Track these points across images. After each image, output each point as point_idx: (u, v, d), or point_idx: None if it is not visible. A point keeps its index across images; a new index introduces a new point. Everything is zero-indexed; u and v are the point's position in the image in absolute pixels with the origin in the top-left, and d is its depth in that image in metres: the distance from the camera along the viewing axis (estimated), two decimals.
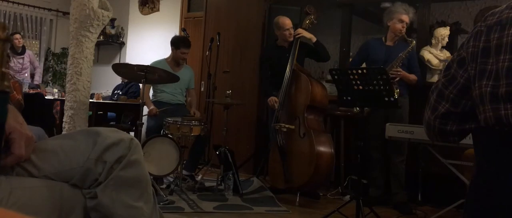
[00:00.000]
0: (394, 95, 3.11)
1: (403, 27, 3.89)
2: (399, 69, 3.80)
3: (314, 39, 4.22)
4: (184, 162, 4.41)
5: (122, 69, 4.27)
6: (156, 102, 4.55)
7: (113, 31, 7.59)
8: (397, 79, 3.78)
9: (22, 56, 7.06)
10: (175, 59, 4.62)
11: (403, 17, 3.87)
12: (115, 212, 1.13)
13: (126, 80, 6.41)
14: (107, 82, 6.99)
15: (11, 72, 6.35)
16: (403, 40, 3.96)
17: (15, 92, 4.41)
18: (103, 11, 4.24)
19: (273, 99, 4.21)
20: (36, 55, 8.15)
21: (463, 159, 3.18)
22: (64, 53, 8.04)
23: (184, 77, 4.51)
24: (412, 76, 3.89)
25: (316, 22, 4.27)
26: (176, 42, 4.60)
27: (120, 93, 6.25)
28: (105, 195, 1.13)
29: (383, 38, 4.04)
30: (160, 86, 4.59)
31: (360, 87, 3.04)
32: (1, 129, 0.95)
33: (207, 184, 4.29)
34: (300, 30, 4.20)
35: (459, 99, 1.32)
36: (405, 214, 3.69)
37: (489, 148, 1.25)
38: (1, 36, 0.89)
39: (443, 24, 4.67)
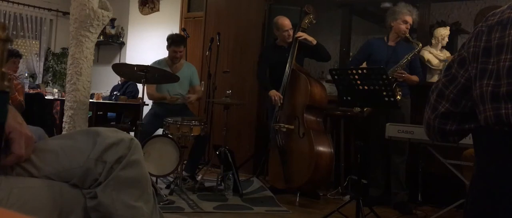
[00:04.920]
0: (397, 97, 3.10)
1: (407, 28, 3.88)
2: (403, 71, 3.79)
3: (315, 42, 4.20)
4: (184, 162, 4.41)
5: (122, 69, 4.27)
6: (160, 104, 4.53)
7: (113, 31, 7.59)
8: (401, 80, 3.78)
9: None
10: (170, 58, 4.61)
11: (407, 18, 3.86)
12: (115, 212, 1.13)
13: (123, 80, 6.41)
14: (107, 82, 6.99)
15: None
16: (405, 41, 3.95)
17: (16, 93, 4.41)
18: (103, 11, 4.24)
19: (276, 94, 4.14)
20: (36, 55, 8.15)
21: (463, 159, 3.18)
22: (64, 53, 8.04)
23: (183, 76, 4.48)
24: (415, 78, 3.88)
25: (315, 22, 4.26)
26: (168, 41, 4.57)
27: (118, 94, 6.25)
28: (105, 195, 1.13)
29: (385, 38, 4.03)
30: (160, 91, 4.55)
31: (360, 87, 3.04)
32: (1, 128, 0.95)
33: (207, 184, 4.29)
34: (302, 34, 4.17)
35: (459, 99, 1.32)
36: (405, 214, 3.69)
37: (489, 147, 1.25)
38: (1, 36, 0.89)
39: (443, 24, 4.67)
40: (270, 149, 4.34)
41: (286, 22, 4.31)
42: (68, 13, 4.97)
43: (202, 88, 5.63)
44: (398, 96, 3.52)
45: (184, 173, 4.33)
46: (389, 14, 3.98)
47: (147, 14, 7.35)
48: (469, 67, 1.30)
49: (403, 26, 3.87)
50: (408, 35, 3.89)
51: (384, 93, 2.99)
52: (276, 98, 4.13)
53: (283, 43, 4.38)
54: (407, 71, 3.85)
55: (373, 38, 4.37)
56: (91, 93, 4.82)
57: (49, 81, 8.14)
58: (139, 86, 4.67)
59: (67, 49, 5.80)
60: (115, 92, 6.39)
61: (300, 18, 4.58)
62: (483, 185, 1.24)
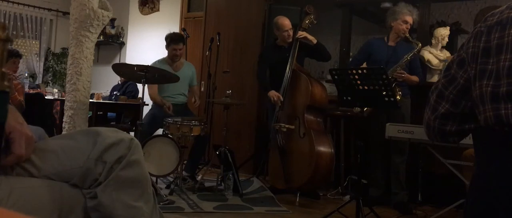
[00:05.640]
0: (397, 97, 3.10)
1: (407, 28, 3.87)
2: (403, 71, 3.79)
3: (315, 41, 4.19)
4: (184, 163, 4.41)
5: (122, 69, 4.27)
6: (158, 105, 4.52)
7: (113, 31, 7.59)
8: (401, 80, 3.78)
9: None
10: (170, 57, 4.61)
11: (407, 18, 3.86)
12: (115, 212, 1.13)
13: (123, 80, 6.41)
14: (107, 82, 6.99)
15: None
16: (405, 41, 3.95)
17: (17, 93, 4.42)
18: (103, 11, 4.24)
19: (275, 94, 4.14)
20: (36, 55, 8.15)
21: (463, 159, 3.18)
22: (64, 53, 8.03)
23: (184, 76, 4.49)
24: (414, 78, 3.88)
25: (316, 22, 4.26)
26: (166, 40, 4.59)
27: (118, 94, 6.26)
28: (105, 195, 1.13)
29: (385, 38, 4.03)
30: (162, 91, 4.56)
31: (360, 87, 3.04)
32: (1, 129, 0.95)
33: (207, 184, 4.29)
34: (302, 33, 4.17)
35: (459, 99, 1.32)
36: (405, 214, 3.69)
37: (489, 148, 1.25)
38: (1, 36, 0.89)
39: (443, 24, 4.67)
40: (270, 149, 4.34)
41: (286, 22, 4.31)
42: (68, 13, 4.98)
43: (202, 89, 5.64)
44: (398, 97, 3.52)
45: (184, 173, 4.33)
46: (389, 14, 3.98)
47: (147, 14, 7.35)
48: (468, 68, 1.30)
49: (403, 26, 3.86)
50: (408, 35, 3.88)
51: (384, 93, 2.99)
52: (275, 98, 4.13)
53: (283, 43, 4.38)
54: (407, 71, 3.85)
55: (373, 38, 4.37)
56: (91, 93, 4.83)
57: (49, 81, 8.14)
58: (139, 86, 4.69)
59: (67, 49, 5.79)
60: (115, 92, 6.40)
61: (300, 18, 4.58)
62: (483, 185, 1.24)
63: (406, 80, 3.82)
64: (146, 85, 3.91)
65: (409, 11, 3.87)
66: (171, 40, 4.53)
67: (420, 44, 3.88)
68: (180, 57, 4.64)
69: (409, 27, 3.89)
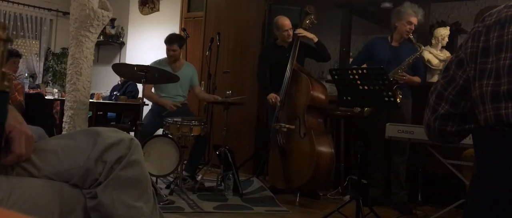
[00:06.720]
0: (397, 98, 3.10)
1: (411, 29, 3.85)
2: (405, 73, 3.78)
3: (316, 39, 4.20)
4: (184, 163, 4.41)
5: (122, 69, 4.27)
6: (159, 106, 4.52)
7: (113, 31, 7.59)
8: (402, 83, 3.77)
9: None
10: (168, 57, 4.61)
11: (412, 19, 3.83)
12: (115, 212, 1.13)
13: (123, 80, 6.41)
14: (107, 82, 6.99)
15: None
16: (409, 42, 3.93)
17: (16, 93, 4.41)
18: (103, 11, 4.24)
19: (273, 96, 4.17)
20: (36, 55, 8.15)
21: (463, 159, 3.18)
22: (64, 53, 8.03)
23: (184, 76, 4.48)
24: (416, 79, 3.88)
25: (316, 22, 4.26)
26: (165, 41, 4.60)
27: (118, 94, 6.26)
28: (105, 195, 1.13)
29: (389, 38, 4.01)
30: (161, 91, 4.55)
31: (360, 87, 3.04)
32: (1, 129, 0.95)
33: (207, 184, 4.29)
34: (302, 31, 4.17)
35: (459, 100, 1.32)
36: (405, 214, 3.69)
37: (489, 148, 1.25)
38: (1, 36, 0.89)
39: (443, 24, 4.67)
40: (270, 149, 4.34)
41: (286, 22, 4.31)
42: (68, 13, 4.98)
43: (202, 89, 5.64)
44: (398, 99, 3.51)
45: (184, 173, 4.33)
46: (394, 14, 3.94)
47: (147, 14, 7.35)
48: (468, 68, 1.29)
49: (407, 27, 3.83)
50: (411, 36, 3.85)
51: (384, 93, 2.99)
52: (273, 100, 4.15)
53: (283, 43, 4.38)
54: (410, 73, 3.84)
55: (377, 38, 4.35)
56: (91, 93, 4.83)
57: (49, 81, 8.14)
58: (139, 86, 4.68)
59: (67, 49, 5.79)
60: (115, 92, 6.40)
61: (300, 18, 4.58)
62: (483, 185, 1.24)
63: (407, 82, 3.81)
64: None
65: (414, 12, 3.84)
66: (165, 41, 4.56)
67: (423, 47, 3.86)
68: (176, 59, 4.60)
69: (413, 28, 3.86)
